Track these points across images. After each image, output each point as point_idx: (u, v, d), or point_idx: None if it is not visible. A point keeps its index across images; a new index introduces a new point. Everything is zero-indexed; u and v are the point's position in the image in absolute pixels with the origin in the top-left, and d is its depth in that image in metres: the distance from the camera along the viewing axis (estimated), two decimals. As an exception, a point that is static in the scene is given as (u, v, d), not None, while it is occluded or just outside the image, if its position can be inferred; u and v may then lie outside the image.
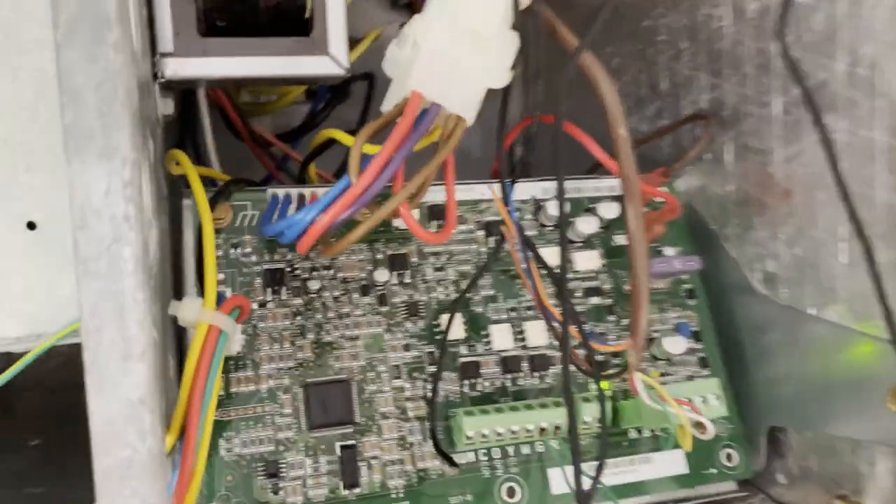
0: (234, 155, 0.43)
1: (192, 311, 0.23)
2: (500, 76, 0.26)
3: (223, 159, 0.44)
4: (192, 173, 0.27)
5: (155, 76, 0.29)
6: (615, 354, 0.34)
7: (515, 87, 0.28)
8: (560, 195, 0.24)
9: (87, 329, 0.20)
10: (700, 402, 0.31)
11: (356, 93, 0.50)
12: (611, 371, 0.32)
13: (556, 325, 0.30)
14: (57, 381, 0.58)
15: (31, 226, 0.32)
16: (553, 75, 0.30)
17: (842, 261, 0.30)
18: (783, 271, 0.33)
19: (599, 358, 0.34)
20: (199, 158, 0.38)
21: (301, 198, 0.31)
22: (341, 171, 0.46)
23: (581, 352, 0.33)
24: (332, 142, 0.32)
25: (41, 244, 0.32)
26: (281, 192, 0.31)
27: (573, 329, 0.29)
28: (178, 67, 0.29)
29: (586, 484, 0.27)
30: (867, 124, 0.28)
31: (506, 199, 0.29)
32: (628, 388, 0.34)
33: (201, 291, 0.28)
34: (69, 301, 0.33)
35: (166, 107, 0.30)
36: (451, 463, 0.30)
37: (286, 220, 0.24)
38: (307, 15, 0.29)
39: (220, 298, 0.28)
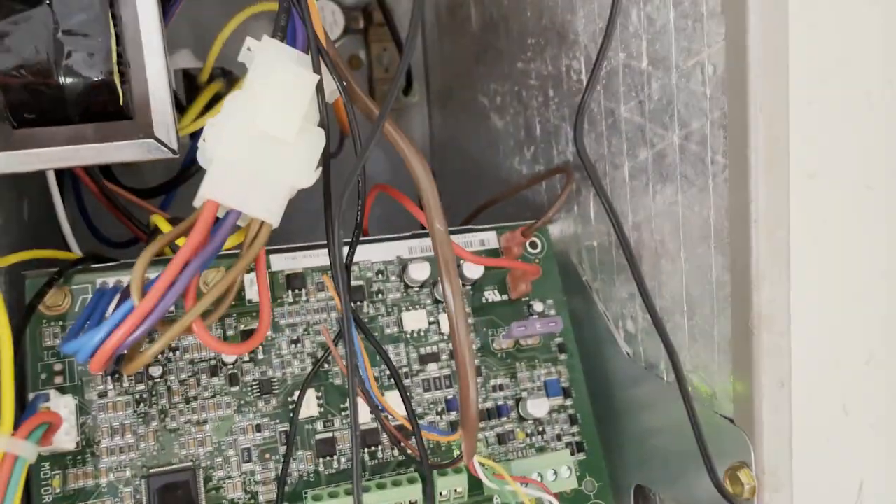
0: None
1: (-19, 442, 0.23)
2: (306, 176, 0.25)
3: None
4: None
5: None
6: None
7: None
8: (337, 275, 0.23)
9: None
10: (551, 477, 0.31)
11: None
12: (445, 461, 0.31)
13: (387, 416, 0.29)
14: None
15: None
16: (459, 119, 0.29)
17: (685, 333, 0.30)
18: (640, 334, 0.33)
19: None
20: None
21: (126, 291, 0.30)
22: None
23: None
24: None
25: None
26: (112, 279, 0.31)
27: (404, 419, 0.29)
28: (-13, 164, 0.27)
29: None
30: (700, 201, 0.28)
31: (338, 286, 0.28)
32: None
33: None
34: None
35: (-19, 201, 0.29)
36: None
37: (77, 342, 0.23)
38: (121, 102, 0.28)
39: (35, 407, 0.27)
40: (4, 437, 0.23)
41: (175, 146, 0.30)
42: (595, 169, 0.27)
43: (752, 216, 0.25)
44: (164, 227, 0.28)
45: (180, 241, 0.26)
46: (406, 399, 0.29)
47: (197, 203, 0.26)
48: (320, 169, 0.25)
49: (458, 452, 0.31)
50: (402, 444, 0.29)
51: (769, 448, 0.27)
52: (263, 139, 0.24)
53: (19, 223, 0.36)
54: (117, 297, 0.29)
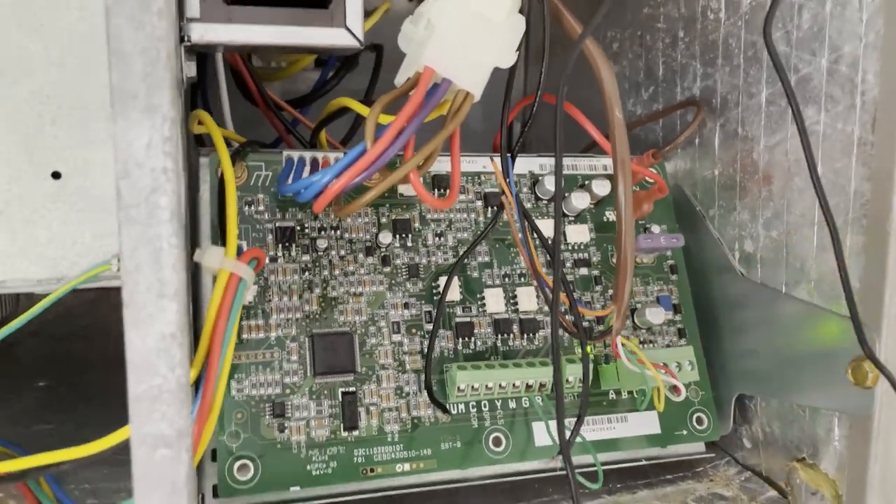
0: (240, 118, 0.45)
1: (216, 259, 0.26)
2: (508, 57, 0.28)
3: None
4: (216, 132, 0.29)
5: (181, 39, 0.30)
6: (599, 321, 0.37)
7: (518, 67, 0.30)
8: (558, 167, 0.26)
9: (127, 269, 0.22)
10: (675, 368, 0.34)
11: (365, 63, 0.51)
12: (596, 333, 0.34)
13: (546, 289, 0.32)
14: (57, 330, 0.61)
15: (56, 175, 0.34)
16: (554, 58, 0.32)
17: (812, 244, 0.33)
18: (760, 252, 0.36)
19: (584, 324, 0.37)
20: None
21: (314, 161, 0.33)
22: (348, 138, 0.48)
23: (569, 317, 0.35)
24: (343, 110, 0.34)
25: (65, 193, 0.34)
26: (295, 154, 0.34)
27: (563, 295, 0.32)
28: (204, 32, 0.30)
29: (566, 435, 0.30)
30: (844, 118, 0.31)
31: (506, 172, 0.31)
32: (609, 353, 0.37)
33: (219, 243, 0.31)
34: (89, 248, 0.35)
35: (190, 69, 0.32)
36: (444, 410, 0.33)
37: (304, 181, 0.26)
38: (327, -11, 0.31)
39: (238, 251, 0.30)
40: (232, 259, 0.26)
41: (361, 37, 0.33)
42: (781, 62, 0.30)
43: (901, 127, 0.28)
44: (354, 105, 0.31)
45: (360, 109, 0.29)
46: (564, 279, 0.32)
47: (400, 79, 0.29)
48: (518, 52, 0.28)
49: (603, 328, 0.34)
50: (561, 321, 0.32)
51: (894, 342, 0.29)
52: (476, 18, 0.27)
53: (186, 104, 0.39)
54: (307, 167, 0.32)
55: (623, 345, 0.31)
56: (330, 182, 0.26)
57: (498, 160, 0.33)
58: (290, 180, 0.30)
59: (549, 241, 0.36)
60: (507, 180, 0.31)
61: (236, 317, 0.26)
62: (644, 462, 0.37)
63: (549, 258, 0.37)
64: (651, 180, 0.38)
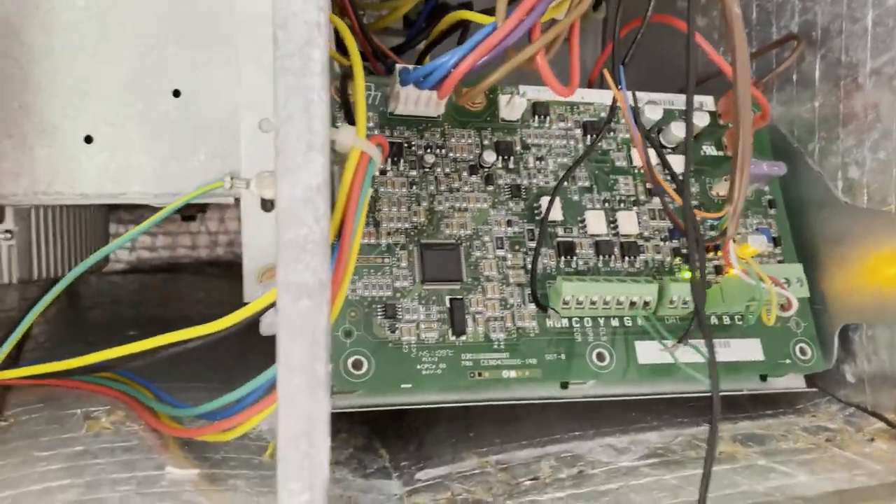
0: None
1: (349, 136, 0.27)
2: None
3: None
4: (345, 29, 0.30)
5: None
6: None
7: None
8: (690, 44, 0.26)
9: (280, 118, 0.23)
10: (784, 283, 0.34)
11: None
12: (709, 237, 0.34)
13: (665, 197, 0.32)
14: (133, 300, 0.64)
15: (177, 94, 0.36)
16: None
17: (927, 156, 0.32)
18: (866, 176, 0.36)
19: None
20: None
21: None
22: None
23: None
24: (451, 30, 0.35)
25: (184, 112, 0.36)
26: (411, 66, 0.35)
27: (676, 195, 0.32)
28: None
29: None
30: (961, 24, 0.31)
31: (618, 80, 0.32)
32: (709, 279, 0.37)
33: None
34: (204, 165, 0.36)
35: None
36: (555, 311, 0.33)
37: (429, 65, 0.27)
38: None
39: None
40: (363, 139, 0.27)
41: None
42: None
43: None
44: (472, 16, 0.32)
45: (478, 18, 0.30)
46: (687, 185, 0.32)
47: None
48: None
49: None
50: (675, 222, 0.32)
51: None
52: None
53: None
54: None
55: (735, 252, 0.31)
56: (456, 63, 0.27)
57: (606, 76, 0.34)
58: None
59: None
60: (620, 87, 0.32)
61: (367, 194, 0.26)
62: (745, 391, 0.37)
63: (648, 185, 0.38)
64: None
